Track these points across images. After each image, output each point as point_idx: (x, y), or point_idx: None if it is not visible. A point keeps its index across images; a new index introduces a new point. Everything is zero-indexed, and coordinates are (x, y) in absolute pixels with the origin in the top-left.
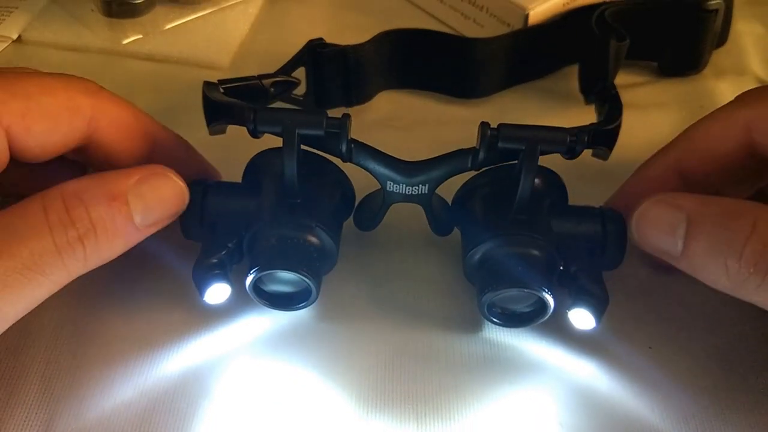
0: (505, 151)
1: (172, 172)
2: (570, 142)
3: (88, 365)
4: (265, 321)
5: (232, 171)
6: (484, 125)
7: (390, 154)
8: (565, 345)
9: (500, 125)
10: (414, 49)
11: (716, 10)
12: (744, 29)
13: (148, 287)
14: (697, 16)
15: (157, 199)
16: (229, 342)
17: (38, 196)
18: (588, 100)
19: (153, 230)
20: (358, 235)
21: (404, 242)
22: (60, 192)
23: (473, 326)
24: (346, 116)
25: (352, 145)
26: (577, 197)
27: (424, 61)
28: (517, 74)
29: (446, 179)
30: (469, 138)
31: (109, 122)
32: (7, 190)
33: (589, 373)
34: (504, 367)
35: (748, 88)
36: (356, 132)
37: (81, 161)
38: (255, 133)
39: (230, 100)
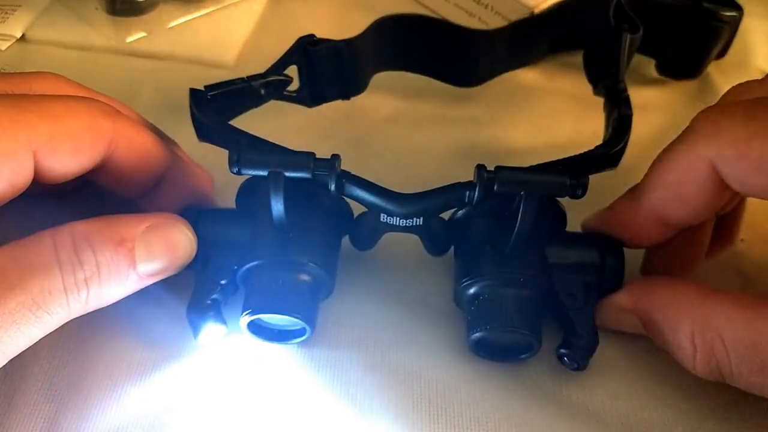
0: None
1: (182, 221)
2: (571, 186)
3: (93, 365)
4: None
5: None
6: (480, 168)
7: (392, 153)
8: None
9: (497, 168)
10: (409, 32)
11: (730, 22)
12: (749, 25)
13: (154, 292)
14: (711, 25)
15: (163, 248)
16: (228, 352)
17: (49, 233)
18: (596, 91)
19: (154, 280)
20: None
21: (402, 255)
22: (70, 231)
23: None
24: (335, 157)
25: (343, 179)
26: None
27: (419, 45)
28: (515, 61)
29: (441, 212)
30: (470, 137)
31: (127, 145)
32: None
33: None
34: (500, 383)
35: None
36: (357, 134)
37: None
38: (240, 174)
39: (217, 124)
